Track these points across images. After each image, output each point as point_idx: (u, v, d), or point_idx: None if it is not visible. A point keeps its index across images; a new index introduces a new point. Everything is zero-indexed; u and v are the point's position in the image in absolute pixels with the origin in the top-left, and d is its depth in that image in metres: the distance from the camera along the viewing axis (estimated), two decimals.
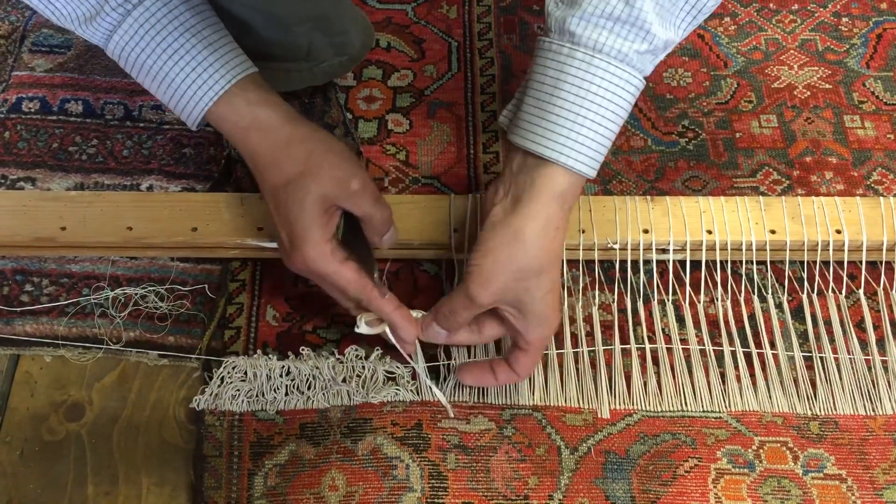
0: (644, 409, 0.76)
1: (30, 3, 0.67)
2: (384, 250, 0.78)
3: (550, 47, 0.63)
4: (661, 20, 0.61)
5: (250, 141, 0.70)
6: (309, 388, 0.77)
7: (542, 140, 0.63)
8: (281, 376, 0.77)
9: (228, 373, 0.78)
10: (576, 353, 0.78)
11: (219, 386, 0.77)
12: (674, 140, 0.94)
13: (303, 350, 0.79)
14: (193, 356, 0.80)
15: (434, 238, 0.81)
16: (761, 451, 0.74)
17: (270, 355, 0.79)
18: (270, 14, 0.77)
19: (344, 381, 0.77)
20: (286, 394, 0.77)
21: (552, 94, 0.63)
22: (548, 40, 0.63)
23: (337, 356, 0.79)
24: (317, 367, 0.77)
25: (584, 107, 0.62)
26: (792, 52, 1.01)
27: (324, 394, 0.76)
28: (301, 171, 0.69)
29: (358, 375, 0.77)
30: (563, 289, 0.81)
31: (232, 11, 0.76)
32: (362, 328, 0.73)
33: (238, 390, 0.77)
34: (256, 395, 0.77)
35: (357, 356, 0.79)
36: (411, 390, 0.77)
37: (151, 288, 0.84)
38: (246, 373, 0.77)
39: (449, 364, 0.78)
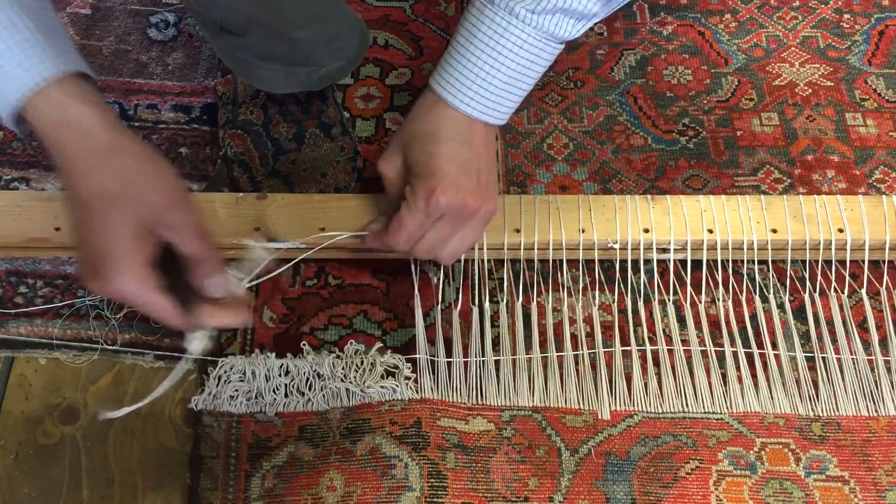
0: (645, 410, 0.75)
1: None
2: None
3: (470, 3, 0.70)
4: None
5: (60, 138, 0.61)
6: (309, 389, 0.76)
7: (435, 75, 0.71)
8: (280, 376, 0.77)
9: (226, 372, 0.77)
10: (576, 355, 0.78)
11: (217, 386, 0.76)
12: (674, 138, 0.93)
13: (304, 345, 0.78)
14: (190, 357, 0.79)
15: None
16: (763, 452, 0.73)
17: (268, 353, 0.78)
18: (270, 17, 0.76)
19: (344, 378, 0.76)
20: (286, 395, 0.76)
21: (454, 37, 0.70)
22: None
23: (336, 353, 0.78)
24: (316, 365, 0.77)
25: (470, 49, 0.69)
26: (793, 49, 1.01)
27: (323, 395, 0.76)
28: (117, 188, 0.60)
29: (356, 370, 0.77)
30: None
31: (232, 13, 0.76)
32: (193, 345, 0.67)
33: (237, 391, 0.76)
34: (255, 397, 0.76)
35: (356, 351, 0.78)
36: (410, 387, 0.76)
37: None
38: (245, 373, 0.77)
39: (449, 362, 0.77)
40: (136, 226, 0.60)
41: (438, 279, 0.81)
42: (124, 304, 0.66)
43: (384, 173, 0.74)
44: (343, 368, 0.77)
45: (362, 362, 0.77)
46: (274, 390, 0.76)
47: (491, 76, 0.69)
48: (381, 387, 0.75)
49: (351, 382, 0.76)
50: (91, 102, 0.62)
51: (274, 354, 0.78)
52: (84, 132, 0.61)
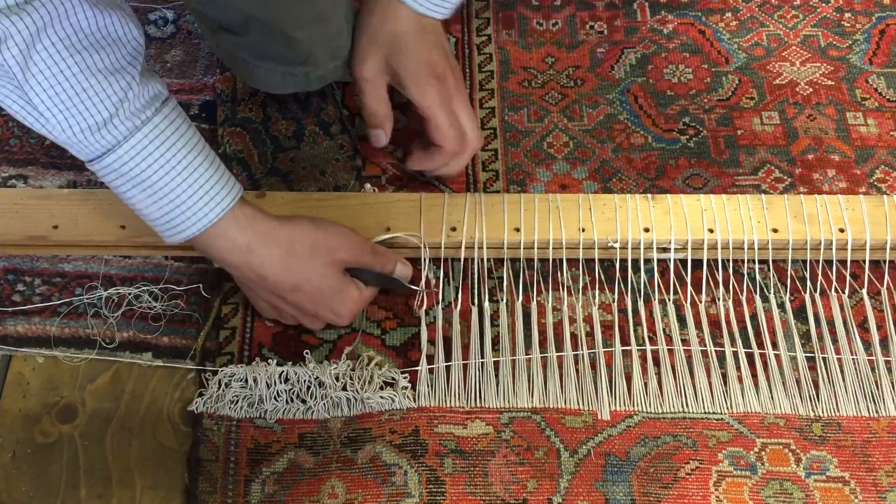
0: (645, 410, 0.75)
1: (19, 117, 0.65)
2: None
3: None
4: None
5: (254, 258, 0.72)
6: (311, 397, 0.76)
7: None
8: (280, 382, 0.76)
9: (227, 377, 0.77)
10: (576, 354, 0.77)
11: (218, 389, 0.76)
12: (674, 137, 0.93)
13: (306, 353, 0.78)
14: (188, 360, 0.79)
15: (431, 237, 0.80)
16: (763, 453, 0.73)
17: (270, 360, 0.77)
18: (269, 16, 0.76)
19: (344, 388, 0.76)
20: (288, 401, 0.76)
21: None
22: None
23: (332, 361, 0.78)
24: (318, 373, 0.76)
25: None
26: (794, 48, 1.00)
27: (324, 404, 0.75)
28: (308, 254, 0.73)
29: (357, 380, 0.76)
30: None
31: (231, 11, 0.75)
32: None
33: (237, 396, 0.76)
34: (256, 403, 0.75)
35: (359, 364, 0.78)
36: (408, 396, 0.76)
37: (145, 287, 0.83)
38: (246, 380, 0.76)
39: (449, 366, 0.77)
40: (340, 265, 0.75)
41: (438, 278, 0.81)
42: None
43: (364, 76, 0.80)
44: (343, 377, 0.77)
45: (362, 374, 0.77)
46: (275, 397, 0.76)
47: None
48: (381, 397, 0.75)
49: (351, 392, 0.76)
50: (262, 214, 0.73)
51: (275, 362, 0.77)
52: (265, 238, 0.72)
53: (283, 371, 0.77)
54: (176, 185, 0.67)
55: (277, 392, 0.76)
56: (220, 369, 0.77)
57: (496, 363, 0.77)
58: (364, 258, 0.76)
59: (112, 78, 0.64)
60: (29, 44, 0.60)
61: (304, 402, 0.76)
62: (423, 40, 0.79)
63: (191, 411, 0.76)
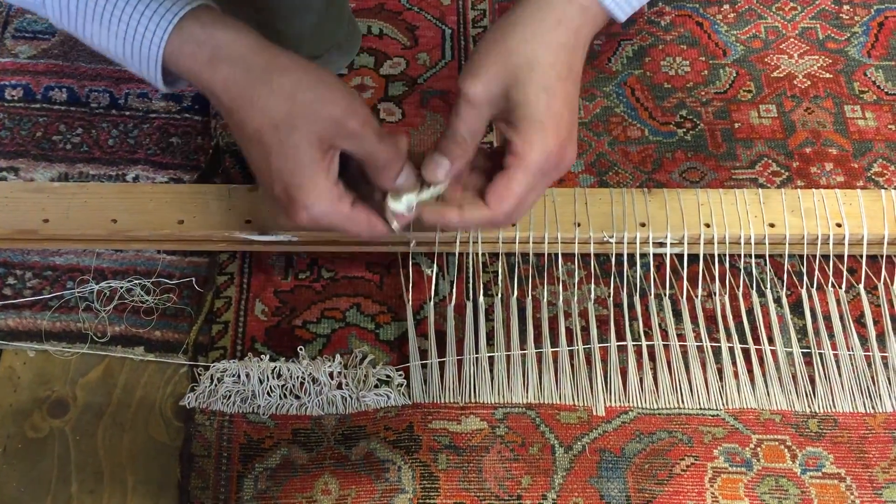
0: (640, 406, 0.75)
1: None
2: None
3: None
4: None
5: (220, 76, 0.57)
6: (304, 393, 0.75)
7: None
8: (274, 378, 0.76)
9: (219, 373, 0.76)
10: (570, 350, 0.77)
11: (211, 384, 0.75)
12: (671, 130, 0.92)
13: (300, 349, 0.77)
14: (180, 355, 0.78)
15: (426, 231, 0.79)
16: (759, 449, 0.73)
17: (263, 356, 0.77)
18: (252, 7, 0.75)
19: (339, 387, 0.75)
20: (281, 397, 0.75)
21: None
22: None
23: (326, 358, 0.77)
24: (312, 369, 0.76)
25: None
26: (792, 40, 1.00)
27: (318, 401, 0.75)
28: (289, 109, 0.58)
29: (348, 378, 0.76)
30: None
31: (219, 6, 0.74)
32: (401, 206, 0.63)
33: (229, 391, 0.75)
34: (249, 399, 0.75)
35: (352, 361, 0.77)
36: (403, 393, 0.75)
37: (137, 281, 0.82)
38: (238, 376, 0.76)
39: (443, 362, 0.76)
40: (317, 144, 0.58)
41: (432, 272, 0.80)
42: (326, 229, 0.62)
43: (473, 96, 0.59)
44: (337, 374, 0.76)
45: (356, 372, 0.76)
46: (268, 393, 0.75)
47: None
48: (376, 395, 0.75)
49: (346, 390, 0.75)
50: (231, 26, 0.58)
51: (268, 357, 0.77)
52: (236, 61, 0.58)
53: (275, 367, 0.76)
54: (124, 4, 0.57)
55: (270, 388, 0.75)
56: (213, 364, 0.77)
57: (491, 358, 0.76)
58: (363, 142, 0.60)
59: None
60: None
61: (297, 398, 0.75)
62: (564, 85, 0.59)
63: (183, 406, 0.75)
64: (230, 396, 0.75)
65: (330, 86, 0.60)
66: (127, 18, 0.57)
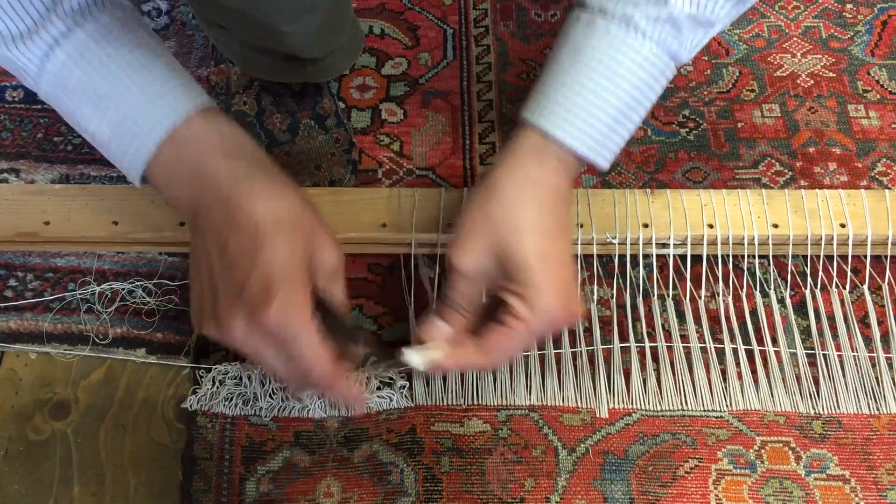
0: (643, 408, 0.74)
1: None
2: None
3: (569, 15, 0.58)
4: None
5: (236, 168, 0.58)
6: (307, 396, 0.75)
7: (529, 103, 0.58)
8: (275, 381, 0.75)
9: (221, 375, 0.76)
10: (573, 351, 0.77)
11: (213, 387, 0.75)
12: (674, 130, 0.92)
13: None
14: (182, 357, 0.78)
15: (427, 233, 0.79)
16: (763, 451, 0.72)
17: None
18: (255, 11, 0.74)
19: None
20: (283, 399, 0.75)
21: (552, 57, 0.58)
22: (572, 12, 0.59)
23: None
24: None
25: (576, 69, 0.57)
26: (795, 39, 0.99)
27: (321, 403, 0.75)
28: (294, 219, 0.57)
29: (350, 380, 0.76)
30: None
31: (217, 7, 0.74)
32: (414, 359, 0.61)
33: (231, 393, 0.75)
34: (251, 401, 0.75)
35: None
36: (405, 395, 0.75)
37: (139, 283, 0.82)
38: (240, 378, 0.76)
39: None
40: (304, 257, 0.57)
41: (434, 275, 0.80)
42: (273, 345, 0.56)
43: (464, 269, 0.58)
44: None
45: (359, 374, 0.76)
46: (270, 395, 0.75)
47: (604, 102, 0.57)
48: (379, 397, 0.74)
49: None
50: (246, 133, 0.60)
51: None
52: (253, 161, 0.58)
53: None
54: (125, 90, 0.57)
55: (272, 390, 0.75)
56: (215, 367, 0.76)
57: None
58: (341, 284, 0.61)
59: None
60: None
61: (299, 400, 0.75)
62: (555, 243, 0.58)
63: (185, 408, 0.75)
64: (232, 399, 0.75)
65: (325, 226, 0.60)
66: (127, 108, 0.57)
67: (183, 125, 0.57)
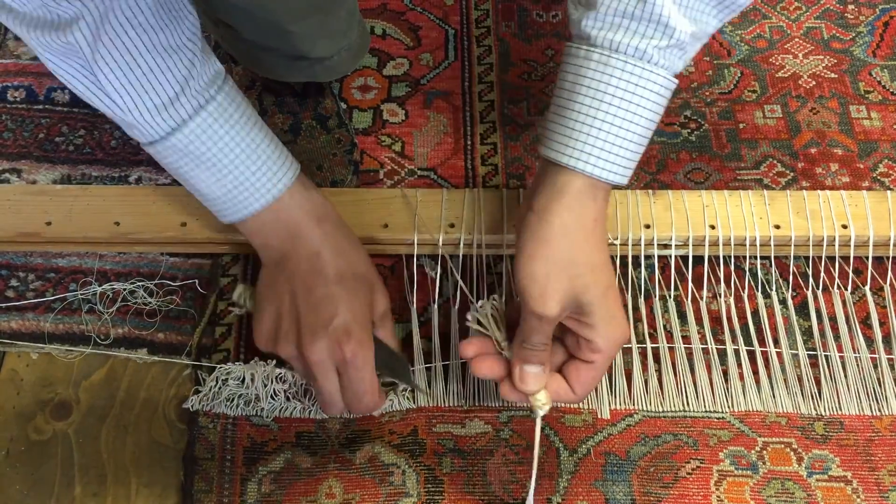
0: (645, 409, 0.74)
1: (87, 98, 0.65)
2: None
3: (569, 51, 0.61)
4: (683, 11, 0.58)
5: (326, 230, 0.70)
6: (307, 398, 0.75)
7: (561, 147, 0.61)
8: (278, 382, 0.75)
9: (224, 375, 0.76)
10: None
11: (215, 387, 0.75)
12: (676, 131, 0.92)
13: None
14: (184, 357, 0.78)
15: (430, 233, 0.79)
16: (765, 452, 0.72)
17: (268, 360, 0.76)
18: (263, 10, 0.74)
19: None
20: (284, 400, 0.75)
21: (570, 98, 0.60)
22: (569, 44, 0.61)
23: None
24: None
25: (602, 109, 0.59)
26: (797, 40, 0.99)
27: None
28: (365, 272, 0.71)
29: None
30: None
31: (225, 6, 0.74)
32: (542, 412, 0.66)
33: (233, 393, 0.75)
34: (252, 402, 0.75)
35: None
36: (407, 397, 0.75)
37: (140, 283, 0.82)
38: (243, 379, 0.75)
39: (447, 364, 0.76)
40: (370, 304, 0.70)
41: (436, 274, 0.80)
42: (341, 371, 0.68)
43: (551, 316, 0.61)
44: None
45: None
46: (272, 396, 0.75)
47: (633, 135, 0.60)
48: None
49: None
50: (323, 198, 0.73)
51: (273, 363, 0.76)
52: (342, 227, 0.72)
53: (280, 373, 0.76)
54: (240, 163, 0.68)
55: (274, 391, 0.75)
56: (218, 366, 0.76)
57: None
58: (390, 324, 0.73)
59: (177, 55, 0.64)
60: (98, 23, 0.59)
61: (300, 401, 0.75)
62: (611, 274, 0.64)
63: (186, 409, 0.75)
64: (234, 399, 0.75)
65: (380, 280, 0.73)
66: (241, 179, 0.68)
67: (286, 194, 0.70)
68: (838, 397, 0.75)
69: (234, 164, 0.68)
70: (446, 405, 0.74)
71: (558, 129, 0.61)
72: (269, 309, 0.69)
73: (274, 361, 0.76)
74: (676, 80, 0.61)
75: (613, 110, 0.59)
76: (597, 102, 0.59)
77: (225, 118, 0.67)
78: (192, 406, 0.75)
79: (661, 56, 0.59)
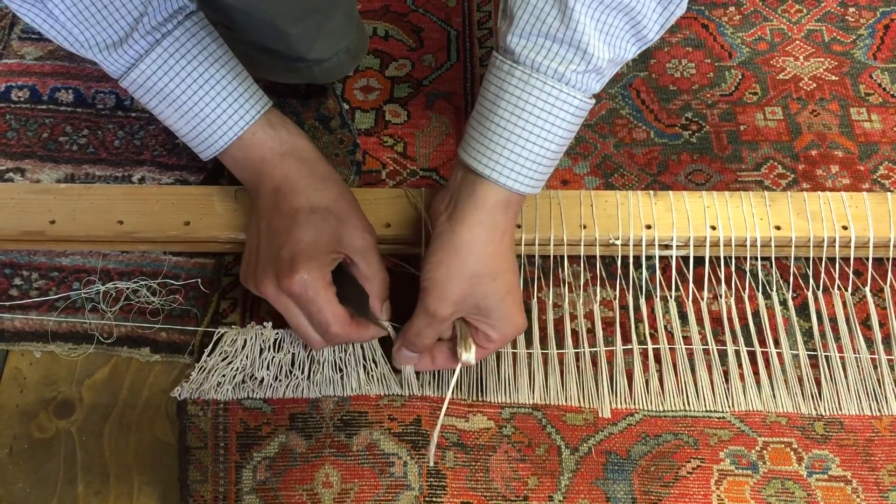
0: (646, 408, 0.75)
1: (42, 30, 0.66)
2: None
3: (495, 62, 0.64)
4: (604, 39, 0.61)
5: (287, 166, 0.71)
6: (302, 372, 0.75)
7: (480, 157, 0.65)
8: (274, 350, 0.75)
9: (220, 341, 0.77)
10: (576, 351, 0.77)
11: (201, 374, 0.75)
12: (677, 133, 0.92)
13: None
14: (186, 355, 0.78)
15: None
16: (765, 451, 0.72)
17: (266, 323, 0.77)
18: (260, 11, 0.75)
19: (339, 370, 0.75)
20: (280, 371, 0.75)
21: (492, 110, 0.64)
22: (496, 55, 0.64)
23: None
24: (311, 351, 0.76)
25: (520, 125, 0.63)
26: (798, 42, 1.00)
27: (316, 379, 0.75)
28: (328, 206, 0.70)
29: (346, 364, 0.76)
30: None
31: (222, 7, 0.74)
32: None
33: (224, 376, 0.75)
34: (244, 379, 0.75)
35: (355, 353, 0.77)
36: (407, 383, 0.75)
37: (143, 282, 0.82)
38: (235, 351, 0.75)
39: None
40: (331, 238, 0.69)
41: None
42: (297, 305, 0.68)
43: (443, 316, 0.67)
44: (340, 362, 0.76)
45: (365, 359, 0.76)
46: (267, 367, 0.75)
47: (549, 152, 0.65)
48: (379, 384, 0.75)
49: (346, 370, 0.75)
50: (304, 136, 0.74)
51: (270, 324, 0.77)
52: (305, 161, 0.72)
53: (278, 336, 0.76)
54: (199, 99, 0.69)
55: (269, 360, 0.75)
56: (216, 330, 0.78)
57: (497, 358, 0.76)
58: (369, 262, 0.71)
59: None
60: None
61: (295, 375, 0.75)
62: (515, 277, 0.69)
63: (179, 402, 0.75)
64: (223, 383, 0.75)
65: (356, 204, 0.73)
66: (202, 116, 0.69)
67: (248, 131, 0.70)
68: (838, 397, 0.75)
69: (192, 101, 0.69)
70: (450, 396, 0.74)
71: (479, 139, 0.65)
72: (246, 247, 0.73)
73: (270, 324, 0.77)
74: (593, 101, 0.64)
75: (530, 127, 0.63)
76: (515, 118, 0.63)
77: (181, 53, 0.67)
78: (179, 395, 0.75)
79: (578, 79, 0.62)
